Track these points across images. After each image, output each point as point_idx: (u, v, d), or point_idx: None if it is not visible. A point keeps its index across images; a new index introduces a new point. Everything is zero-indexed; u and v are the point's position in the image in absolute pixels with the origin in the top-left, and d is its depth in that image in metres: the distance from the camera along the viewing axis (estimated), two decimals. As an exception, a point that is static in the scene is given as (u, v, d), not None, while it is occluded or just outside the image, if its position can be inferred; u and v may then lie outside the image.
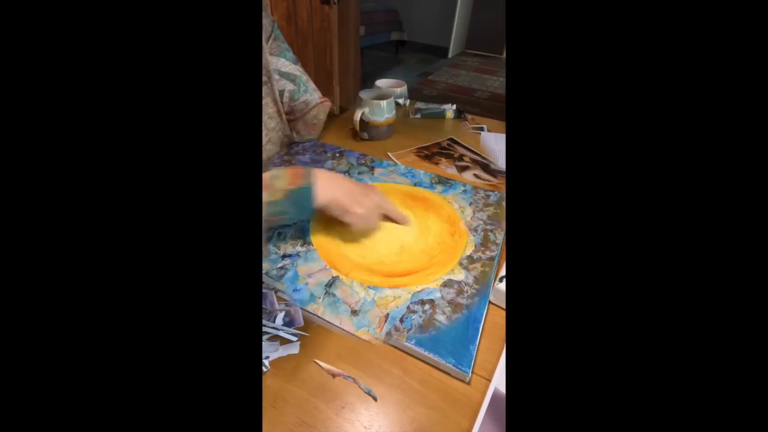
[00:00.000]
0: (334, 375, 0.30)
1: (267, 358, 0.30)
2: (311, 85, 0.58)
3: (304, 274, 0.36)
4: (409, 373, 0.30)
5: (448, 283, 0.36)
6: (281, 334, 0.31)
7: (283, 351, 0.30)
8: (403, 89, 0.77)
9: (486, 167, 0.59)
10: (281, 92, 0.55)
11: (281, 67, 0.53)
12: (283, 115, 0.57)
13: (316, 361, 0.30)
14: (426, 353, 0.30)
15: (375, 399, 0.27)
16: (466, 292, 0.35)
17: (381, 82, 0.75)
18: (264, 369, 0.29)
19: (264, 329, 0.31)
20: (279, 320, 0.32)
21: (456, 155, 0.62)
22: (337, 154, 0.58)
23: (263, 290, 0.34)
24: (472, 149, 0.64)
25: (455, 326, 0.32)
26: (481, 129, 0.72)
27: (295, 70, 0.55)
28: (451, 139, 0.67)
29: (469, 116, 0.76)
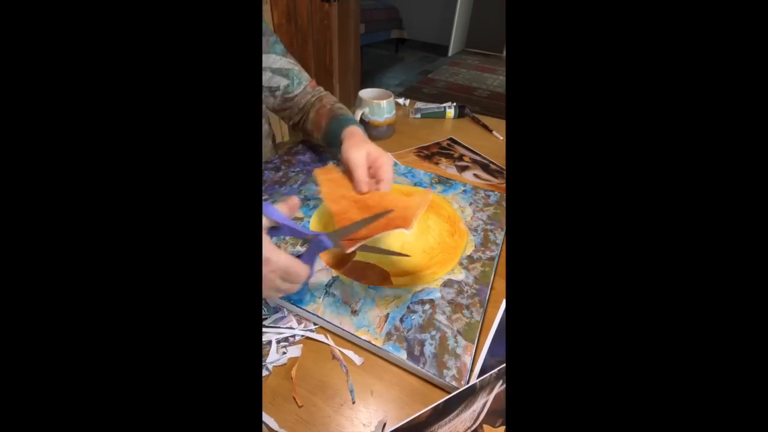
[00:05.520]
0: (333, 356, 0.30)
1: (272, 363, 0.30)
2: (304, 75, 0.55)
3: (304, 274, 0.36)
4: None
5: (448, 283, 0.36)
6: (297, 332, 0.32)
7: (284, 358, 0.30)
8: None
9: (486, 167, 0.59)
10: (274, 89, 0.53)
11: (272, 64, 0.52)
12: (268, 118, 0.56)
13: (327, 335, 0.32)
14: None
15: (353, 401, 0.28)
16: (466, 292, 0.35)
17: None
18: (267, 372, 0.29)
19: (278, 330, 0.32)
20: (294, 323, 0.33)
21: (456, 155, 0.62)
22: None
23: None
24: (472, 149, 0.64)
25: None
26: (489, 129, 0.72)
27: (286, 63, 0.53)
28: (451, 139, 0.67)
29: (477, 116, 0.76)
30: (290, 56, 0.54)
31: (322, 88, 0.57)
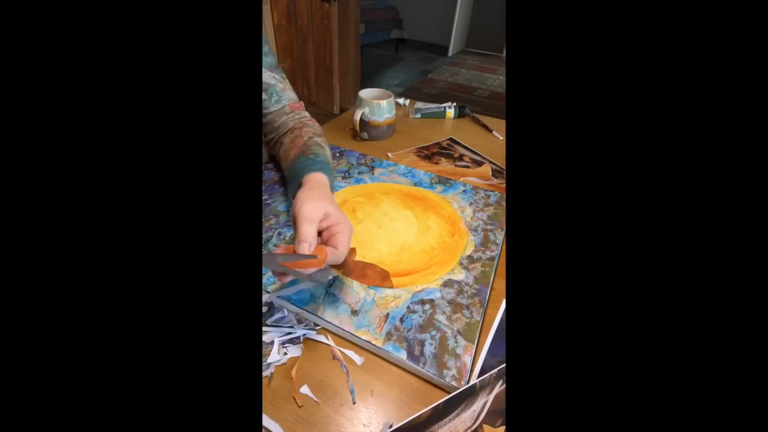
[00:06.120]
0: (334, 356, 0.30)
1: (273, 363, 0.30)
2: (287, 95, 0.49)
3: (305, 274, 0.36)
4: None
5: (448, 283, 0.36)
6: (298, 332, 0.32)
7: (284, 358, 0.30)
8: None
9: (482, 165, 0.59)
10: None
11: None
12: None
13: (327, 335, 0.32)
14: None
15: (354, 402, 0.28)
16: (466, 292, 0.35)
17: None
18: (269, 372, 0.29)
19: (279, 330, 0.32)
20: (294, 322, 0.33)
21: (456, 155, 0.62)
22: (337, 154, 0.58)
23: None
24: (473, 149, 0.64)
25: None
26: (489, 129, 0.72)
27: (270, 77, 0.47)
28: (451, 139, 0.67)
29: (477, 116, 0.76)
30: (279, 72, 0.49)
31: (307, 114, 0.51)
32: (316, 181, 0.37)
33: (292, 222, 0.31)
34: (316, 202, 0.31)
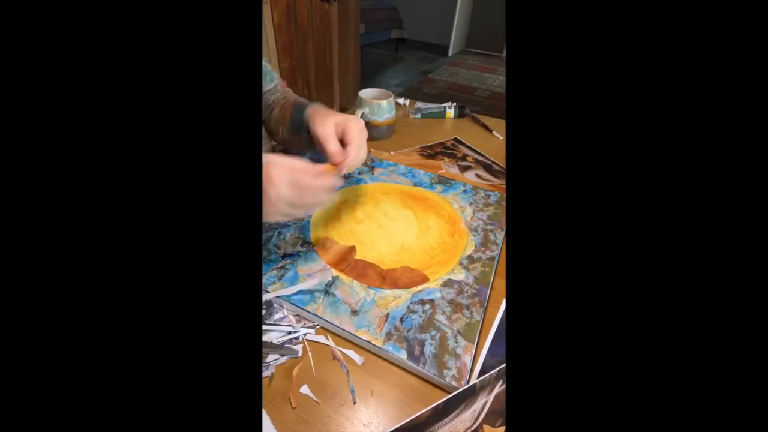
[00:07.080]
0: (334, 356, 0.30)
1: (272, 362, 0.30)
2: (275, 74, 0.52)
3: (304, 274, 0.36)
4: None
5: (448, 283, 0.36)
6: (299, 331, 0.32)
7: (284, 358, 0.30)
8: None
9: (489, 168, 0.59)
10: None
11: None
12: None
13: (327, 335, 0.32)
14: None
15: (354, 402, 0.28)
16: (466, 292, 0.35)
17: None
18: (269, 372, 0.29)
19: (279, 330, 0.32)
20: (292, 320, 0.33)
21: (459, 155, 0.62)
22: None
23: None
24: (476, 149, 0.64)
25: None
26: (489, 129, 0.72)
27: None
28: (456, 139, 0.67)
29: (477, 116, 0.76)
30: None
31: (290, 90, 0.54)
32: (315, 109, 0.42)
33: (317, 143, 0.38)
34: (325, 120, 0.38)
